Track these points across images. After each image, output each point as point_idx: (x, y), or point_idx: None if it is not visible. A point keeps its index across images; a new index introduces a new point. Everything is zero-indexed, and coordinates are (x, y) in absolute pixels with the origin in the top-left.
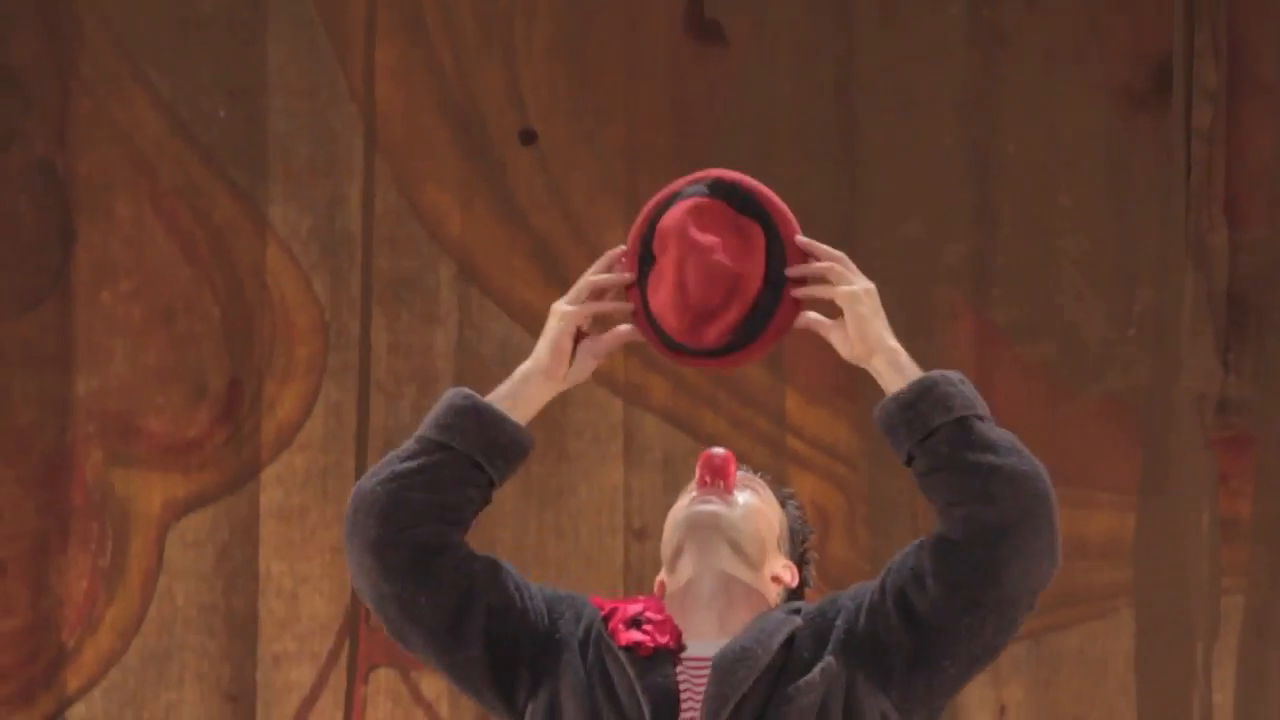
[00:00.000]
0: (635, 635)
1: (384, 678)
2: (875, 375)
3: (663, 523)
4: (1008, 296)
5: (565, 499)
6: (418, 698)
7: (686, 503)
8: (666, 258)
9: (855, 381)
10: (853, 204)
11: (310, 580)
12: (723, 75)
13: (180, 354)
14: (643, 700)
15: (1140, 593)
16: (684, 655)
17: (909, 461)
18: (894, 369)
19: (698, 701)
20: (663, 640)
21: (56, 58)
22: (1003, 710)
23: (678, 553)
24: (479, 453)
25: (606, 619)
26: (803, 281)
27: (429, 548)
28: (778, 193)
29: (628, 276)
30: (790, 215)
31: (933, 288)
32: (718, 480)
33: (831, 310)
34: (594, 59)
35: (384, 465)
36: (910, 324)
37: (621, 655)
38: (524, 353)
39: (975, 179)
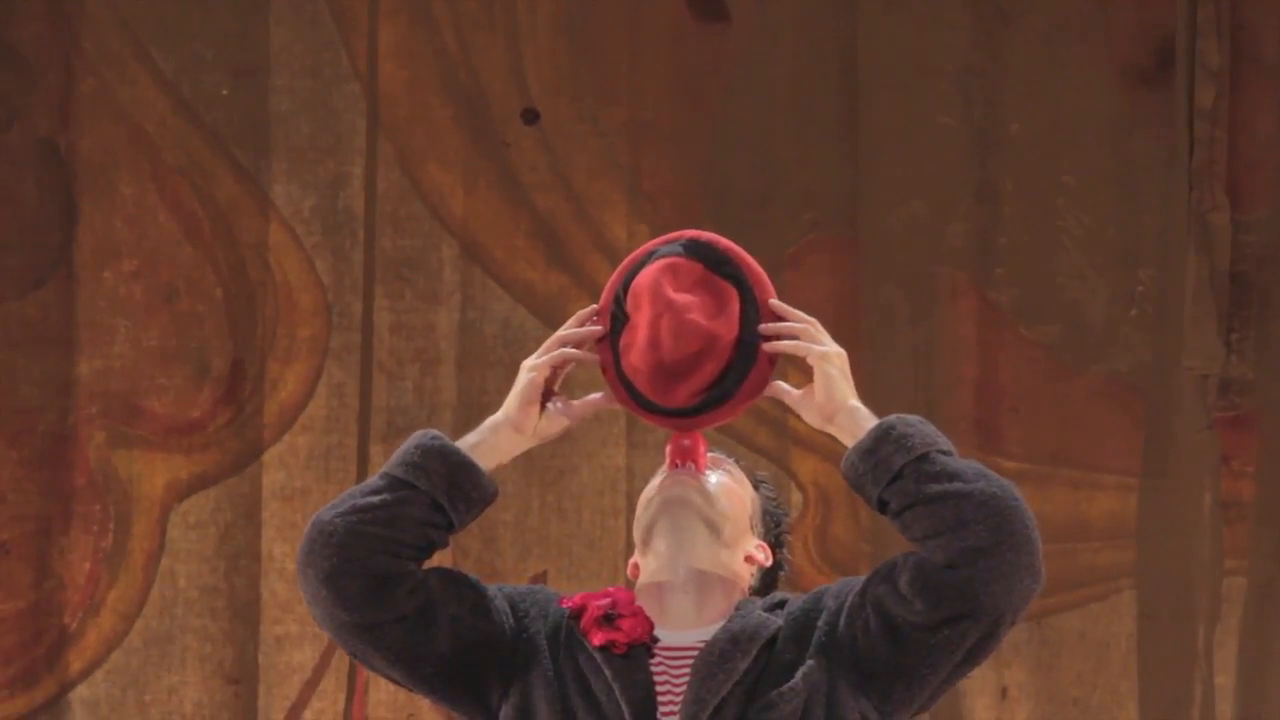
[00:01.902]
0: (608, 634)
1: None
2: (837, 434)
3: None
4: (1010, 276)
5: (567, 480)
6: None
7: (658, 483)
8: (640, 315)
9: (857, 363)
10: (856, 183)
11: None
12: (726, 54)
13: (182, 334)
14: (621, 701)
15: (1142, 574)
16: (659, 645)
17: (881, 508)
18: (854, 423)
19: (676, 694)
20: (636, 635)
21: (59, 37)
22: (1004, 692)
23: (650, 531)
24: (442, 495)
25: (577, 617)
26: (776, 339)
27: (385, 577)
28: (780, 172)
29: (598, 330)
30: (764, 276)
31: (935, 267)
32: (688, 461)
33: (803, 376)
34: (597, 38)
35: (345, 498)
36: (913, 304)
37: (597, 656)
38: (526, 333)
39: (978, 158)
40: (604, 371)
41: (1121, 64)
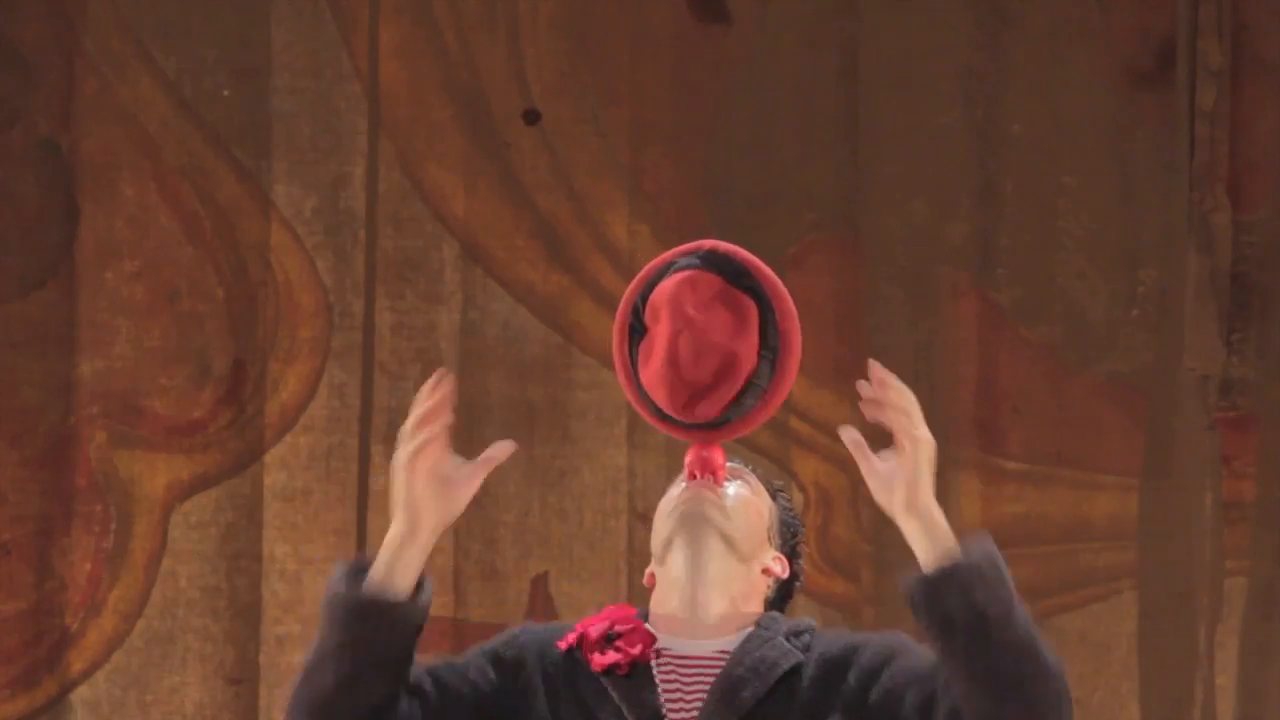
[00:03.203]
0: (610, 656)
1: None
2: (905, 529)
3: None
4: (1011, 277)
5: (568, 481)
6: None
7: (676, 495)
8: (659, 329)
9: (858, 363)
10: (856, 184)
11: (314, 562)
12: (727, 55)
13: (184, 335)
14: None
15: (1143, 575)
16: (671, 654)
17: (930, 636)
18: (927, 536)
19: (689, 706)
20: (635, 652)
21: (61, 37)
22: None
23: (667, 545)
24: (384, 649)
25: (578, 647)
26: (875, 399)
27: (377, 710)
28: (781, 172)
29: (446, 399)
30: (783, 288)
31: (936, 268)
32: (706, 473)
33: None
34: (598, 38)
35: (303, 688)
36: (914, 304)
37: (603, 680)
38: (526, 333)
39: (979, 159)
40: (622, 382)
41: (1122, 64)
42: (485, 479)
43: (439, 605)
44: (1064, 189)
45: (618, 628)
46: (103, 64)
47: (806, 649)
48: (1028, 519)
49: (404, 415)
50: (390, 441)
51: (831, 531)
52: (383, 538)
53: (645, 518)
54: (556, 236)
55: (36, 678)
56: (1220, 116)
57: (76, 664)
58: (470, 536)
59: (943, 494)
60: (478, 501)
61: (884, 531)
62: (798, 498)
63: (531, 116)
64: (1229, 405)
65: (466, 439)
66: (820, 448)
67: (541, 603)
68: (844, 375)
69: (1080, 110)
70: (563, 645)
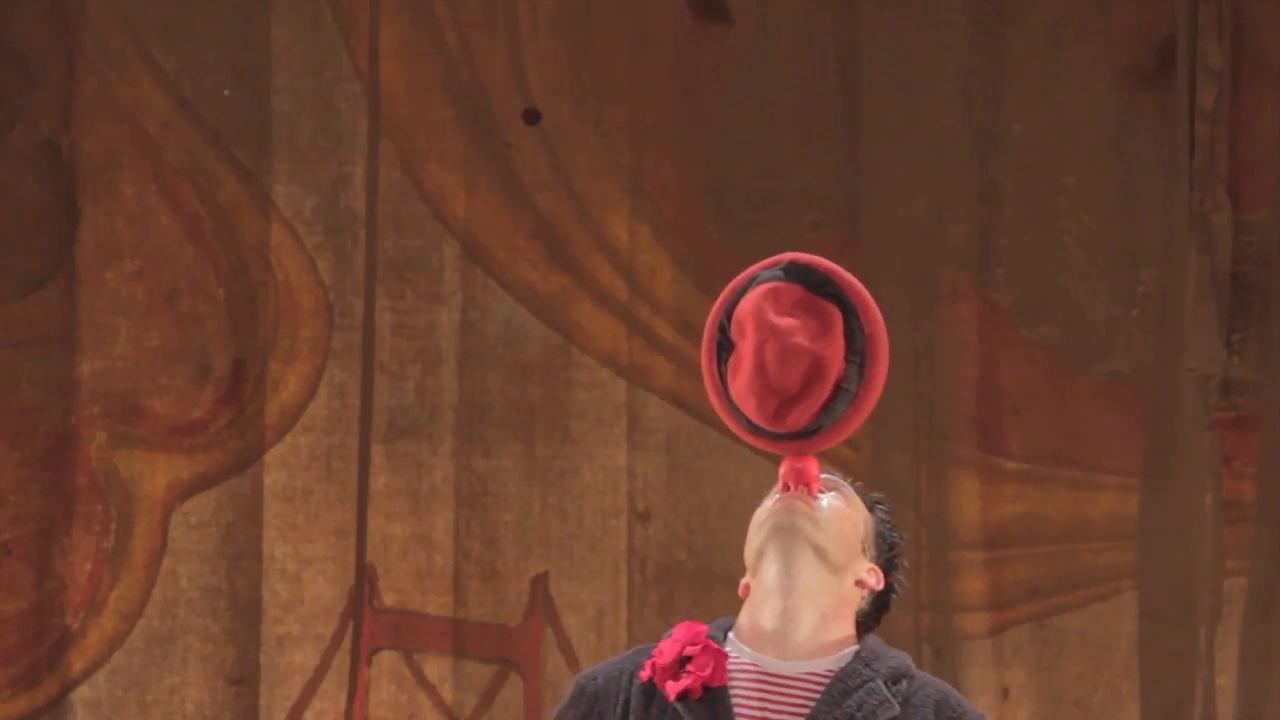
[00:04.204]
0: (683, 682)
1: (387, 660)
2: None
3: (666, 505)
4: (1011, 277)
5: (569, 481)
6: (421, 680)
7: (769, 506)
8: (745, 343)
9: None
10: (857, 184)
11: (314, 562)
12: (727, 55)
13: (184, 335)
14: None
15: (1144, 575)
16: (761, 670)
17: None
18: None
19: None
20: (705, 675)
21: (61, 37)
22: (1005, 693)
23: (760, 555)
24: None
25: (653, 679)
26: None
27: None
28: (781, 172)
29: None
30: (867, 294)
31: (937, 268)
32: (800, 484)
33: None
34: (598, 39)
35: None
36: (914, 304)
37: (679, 708)
38: (527, 333)
39: (979, 159)
40: (713, 399)
41: (1122, 64)
42: (485, 479)
43: (439, 605)
44: (1064, 189)
45: (688, 650)
46: (103, 64)
47: (905, 701)
48: (1028, 519)
49: (404, 415)
50: (390, 441)
51: None
52: (382, 538)
53: (645, 517)
54: (556, 236)
55: (37, 677)
56: (1220, 116)
57: (77, 664)
58: (470, 536)
59: (943, 494)
60: (478, 501)
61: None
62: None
63: (531, 116)
64: (1229, 405)
65: (466, 438)
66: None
67: (541, 603)
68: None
69: (1080, 110)
70: (643, 676)
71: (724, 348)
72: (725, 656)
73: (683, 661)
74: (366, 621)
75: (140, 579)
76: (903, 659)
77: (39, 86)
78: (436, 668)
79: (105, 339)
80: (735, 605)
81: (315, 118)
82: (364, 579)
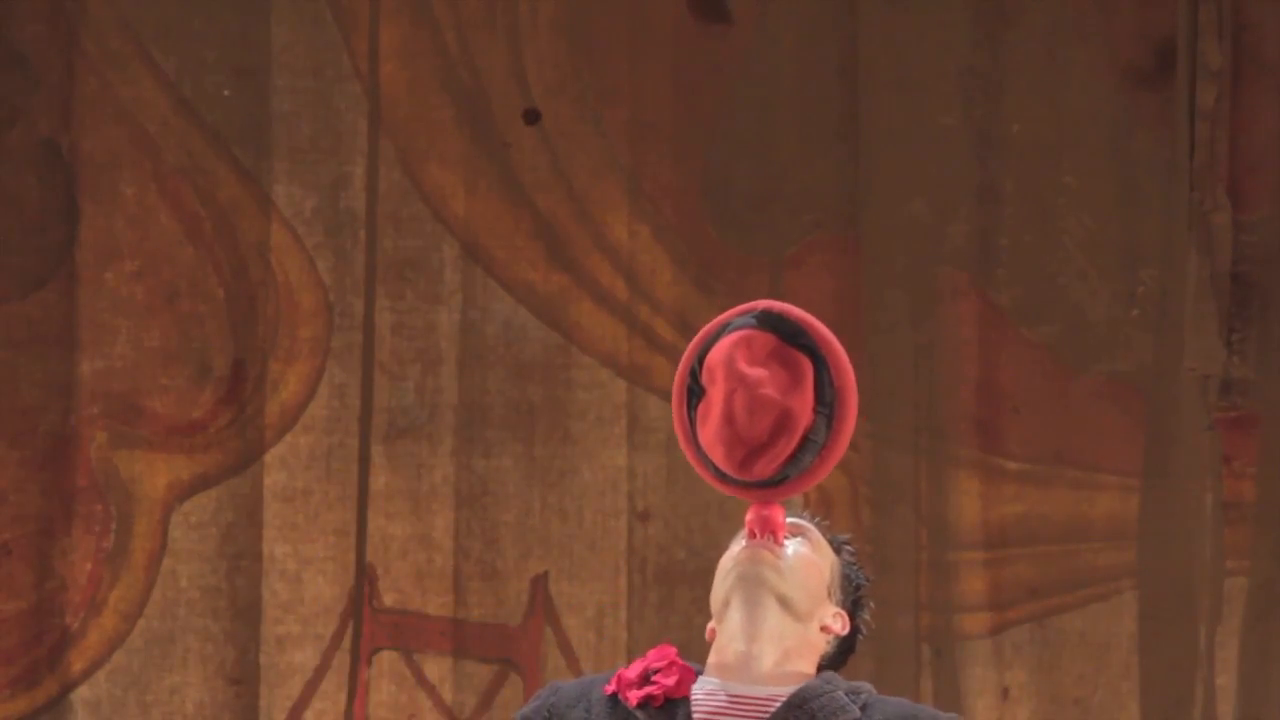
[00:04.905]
0: (646, 690)
1: (387, 660)
2: None
3: (666, 505)
4: (1011, 277)
5: (569, 481)
6: (421, 680)
7: (735, 554)
8: (715, 390)
9: (858, 363)
10: (856, 184)
11: (314, 562)
12: (727, 55)
13: (184, 335)
14: None
15: (1143, 575)
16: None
17: None
18: None
19: None
20: (669, 684)
21: (61, 36)
22: (1005, 693)
23: (726, 604)
24: None
25: (618, 692)
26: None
27: None
28: (781, 172)
29: None
30: (839, 347)
31: (936, 268)
32: (766, 533)
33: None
34: (598, 38)
35: None
36: (914, 305)
37: (639, 715)
38: (526, 334)
39: (979, 159)
40: (682, 443)
41: (1122, 64)
42: (485, 479)
43: (439, 605)
44: (1064, 189)
45: (654, 664)
46: (103, 64)
47: (864, 707)
48: (1028, 519)
49: (404, 415)
50: (390, 441)
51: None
52: (382, 538)
53: (645, 518)
54: (556, 236)
55: (37, 677)
56: (1220, 116)
57: (77, 664)
58: (470, 536)
59: (943, 494)
60: (478, 501)
61: (884, 531)
62: (796, 498)
63: (531, 116)
64: (1229, 405)
65: (466, 438)
66: None
67: (541, 603)
68: None
69: (1080, 110)
70: (608, 690)
71: (694, 393)
72: (691, 672)
73: (649, 675)
74: (366, 621)
75: (140, 579)
76: (862, 683)
77: (39, 86)
78: (436, 668)
79: (105, 339)
80: None
81: (315, 118)
82: (364, 579)
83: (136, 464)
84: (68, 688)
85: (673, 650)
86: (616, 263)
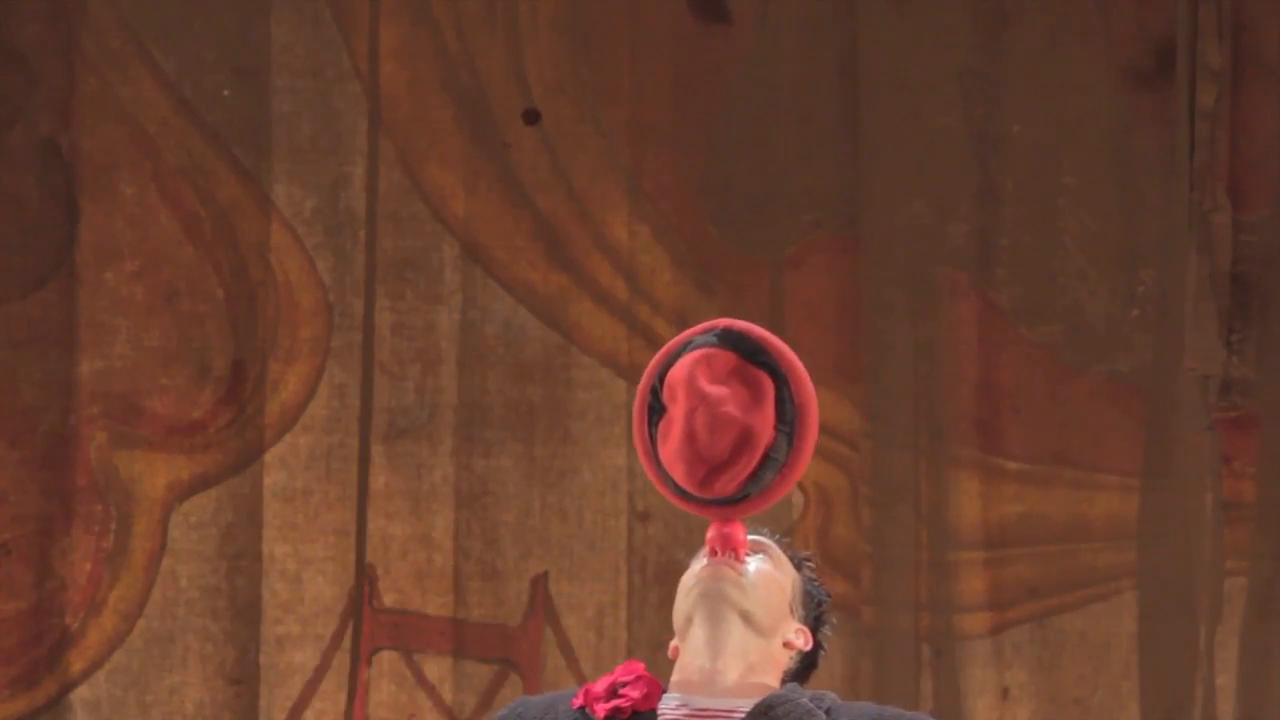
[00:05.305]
0: (613, 704)
1: (387, 660)
2: None
3: (666, 505)
4: (1011, 277)
5: (569, 481)
6: (421, 680)
7: (697, 571)
8: (676, 408)
9: (858, 363)
10: (856, 184)
11: (314, 562)
12: (727, 55)
13: (184, 334)
14: None
15: (1144, 575)
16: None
17: None
18: None
19: None
20: (636, 697)
21: (61, 37)
22: (1005, 693)
23: (688, 621)
24: None
25: (586, 705)
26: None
27: None
28: (781, 172)
29: None
30: (800, 365)
31: (936, 268)
32: (727, 550)
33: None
34: (598, 39)
35: None
36: (914, 305)
37: None
38: (527, 333)
39: (979, 159)
40: (643, 461)
41: (1122, 64)
42: (485, 479)
43: (439, 605)
44: (1064, 189)
45: (622, 678)
46: (103, 64)
47: (829, 711)
48: (1028, 519)
49: (404, 415)
50: (390, 441)
51: (831, 531)
52: (382, 538)
53: (645, 518)
54: (556, 236)
55: (36, 677)
56: (1220, 116)
57: (76, 664)
58: (470, 536)
59: (943, 494)
60: (478, 501)
61: (884, 531)
62: (797, 498)
63: (531, 116)
64: (1229, 405)
65: (466, 438)
66: (820, 448)
67: (541, 603)
68: (844, 375)
69: (1080, 110)
70: (575, 703)
71: (655, 410)
72: (659, 685)
73: (616, 689)
74: (366, 621)
75: (140, 579)
76: (826, 692)
77: (38, 86)
78: (436, 668)
79: (105, 339)
80: None
81: (315, 118)
82: (364, 579)
83: (136, 464)
84: (67, 688)
85: (641, 665)
86: (616, 263)
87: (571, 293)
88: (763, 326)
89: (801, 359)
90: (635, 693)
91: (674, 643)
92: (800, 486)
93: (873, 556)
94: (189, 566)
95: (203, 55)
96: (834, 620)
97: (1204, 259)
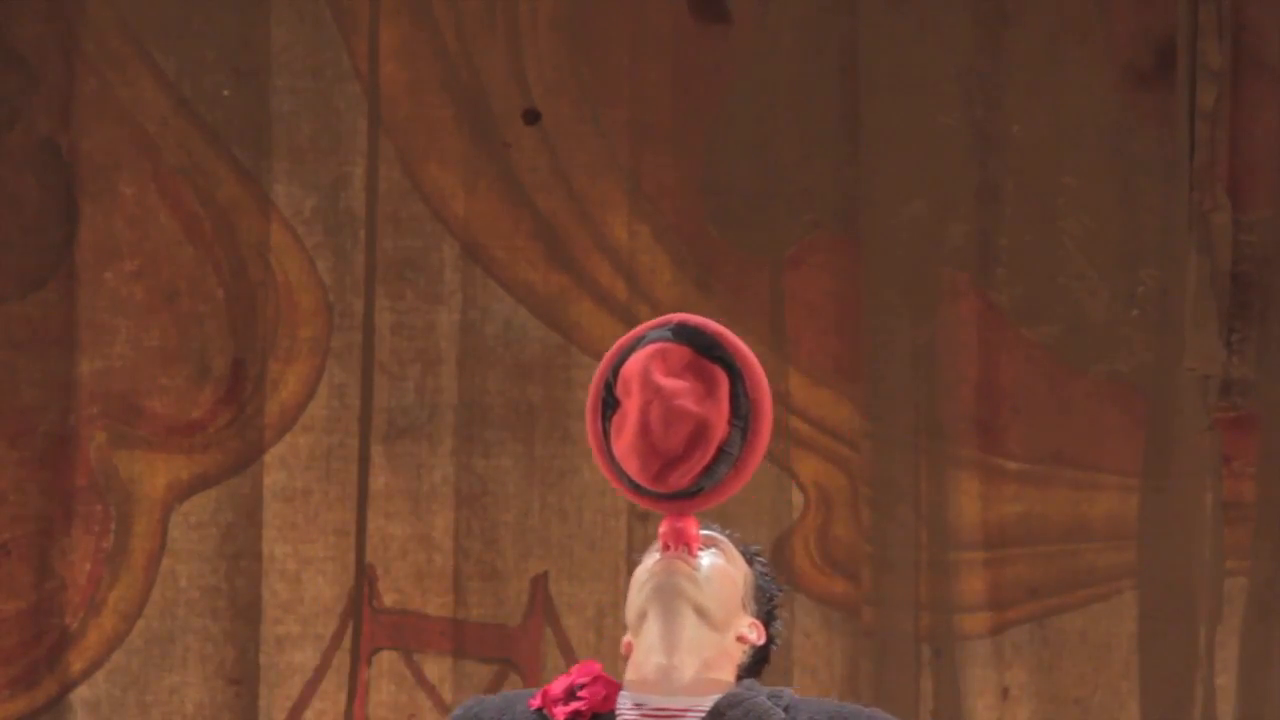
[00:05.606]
0: (572, 706)
1: (387, 660)
2: None
3: None
4: (1011, 277)
5: (568, 481)
6: (421, 680)
7: (649, 566)
8: (630, 402)
9: (858, 363)
10: (856, 184)
11: (314, 562)
12: (726, 55)
13: (183, 334)
14: None
15: (1144, 575)
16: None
17: None
18: None
19: None
20: (597, 700)
21: (61, 37)
22: (1005, 693)
23: (642, 616)
24: None
25: (544, 707)
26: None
27: None
28: (781, 172)
29: None
30: (754, 359)
31: (936, 268)
32: (680, 545)
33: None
34: (598, 38)
35: None
36: (914, 305)
37: None
38: (527, 333)
39: (979, 159)
40: (595, 455)
41: (1123, 65)
42: (485, 479)
43: (439, 605)
44: (1064, 189)
45: (579, 680)
46: (102, 64)
47: (787, 709)
48: (1028, 519)
49: (404, 415)
50: (390, 441)
51: (831, 531)
52: (382, 538)
53: (645, 518)
54: (556, 236)
55: (36, 677)
56: (1220, 116)
57: (76, 664)
58: (470, 536)
59: (943, 494)
60: (478, 501)
61: (884, 531)
62: (797, 498)
63: (531, 116)
64: (1229, 405)
65: (466, 438)
66: (820, 448)
67: (541, 603)
68: (844, 375)
69: (1080, 110)
70: (533, 704)
71: (609, 405)
72: (616, 686)
73: (574, 691)
74: (366, 621)
75: (140, 579)
76: (783, 688)
77: (38, 86)
78: (436, 668)
79: (105, 339)
80: None
81: (315, 118)
82: (364, 579)
83: (136, 464)
84: (67, 688)
85: (597, 665)
86: (616, 263)
87: (571, 293)
88: (763, 326)
89: (801, 359)
90: (594, 695)
91: (627, 638)
92: (800, 486)
93: (873, 556)
94: (189, 566)
95: (203, 55)
96: (786, 615)
97: (1204, 259)
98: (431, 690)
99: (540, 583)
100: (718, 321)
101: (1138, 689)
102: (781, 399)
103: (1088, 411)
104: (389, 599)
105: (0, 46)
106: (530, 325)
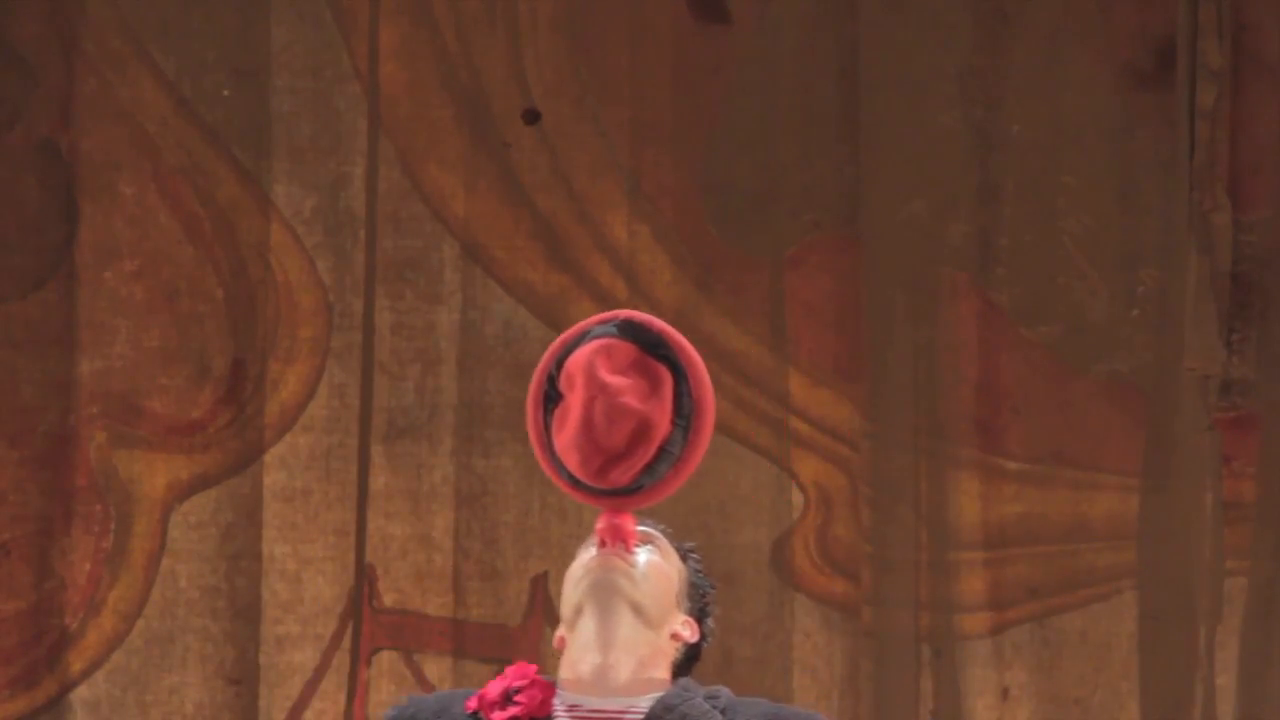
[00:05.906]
0: (509, 711)
1: (387, 660)
2: None
3: (666, 505)
4: (1011, 277)
5: None
6: (421, 680)
7: (586, 561)
8: (574, 396)
9: (858, 363)
10: (856, 184)
11: (314, 562)
12: (726, 54)
13: (183, 334)
14: None
15: (1143, 575)
16: (579, 709)
17: None
18: None
19: None
20: (533, 706)
21: (61, 37)
22: (1005, 693)
23: (578, 612)
24: None
25: (480, 710)
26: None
27: None
28: (781, 172)
29: None
30: (698, 358)
31: (936, 268)
32: (617, 541)
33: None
34: (598, 38)
35: None
36: (914, 305)
37: None
38: (527, 333)
39: (979, 159)
40: (535, 449)
41: (1122, 64)
42: (485, 479)
43: (439, 605)
44: (1064, 189)
45: (515, 684)
46: (102, 64)
47: (724, 710)
48: (1028, 519)
49: (403, 415)
50: (390, 441)
51: (831, 531)
52: (382, 538)
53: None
54: (556, 236)
55: (36, 677)
56: (1220, 116)
57: (76, 664)
58: (470, 536)
59: (943, 494)
60: (478, 501)
61: (884, 531)
62: (798, 498)
63: (531, 116)
64: (1229, 405)
65: (466, 438)
66: (820, 448)
67: (541, 603)
68: (844, 375)
69: (1080, 110)
70: (470, 706)
71: (551, 398)
72: (553, 689)
73: (510, 695)
74: (366, 621)
75: (139, 579)
76: (719, 687)
77: (38, 86)
78: (436, 668)
79: (104, 339)
80: (733, 604)
81: (315, 118)
82: (364, 579)
83: (136, 464)
84: (67, 688)
85: (533, 668)
86: (616, 263)
87: (571, 293)
88: (763, 326)
89: (801, 359)
90: (531, 699)
91: (560, 633)
92: (800, 487)
93: (873, 556)
94: (189, 566)
95: (203, 55)
96: (718, 611)
97: (1204, 259)
98: (431, 690)
99: (540, 583)
100: (716, 321)
101: (1138, 689)
102: (782, 399)
103: (1088, 411)
104: (389, 599)
105: (0, 46)
106: (530, 325)
